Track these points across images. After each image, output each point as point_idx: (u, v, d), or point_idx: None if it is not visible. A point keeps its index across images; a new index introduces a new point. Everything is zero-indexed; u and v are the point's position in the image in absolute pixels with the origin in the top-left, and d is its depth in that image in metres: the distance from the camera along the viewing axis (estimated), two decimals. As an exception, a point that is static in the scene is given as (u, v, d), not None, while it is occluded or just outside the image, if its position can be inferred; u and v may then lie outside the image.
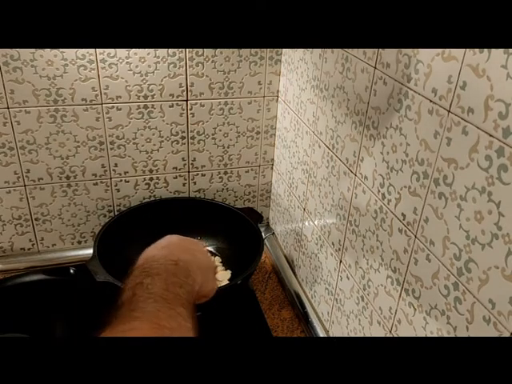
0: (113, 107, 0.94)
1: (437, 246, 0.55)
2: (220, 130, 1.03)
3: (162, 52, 0.91)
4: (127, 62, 0.90)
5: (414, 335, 0.61)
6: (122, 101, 0.94)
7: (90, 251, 0.89)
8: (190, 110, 0.99)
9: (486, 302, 0.48)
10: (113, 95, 0.93)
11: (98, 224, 1.05)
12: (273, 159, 1.10)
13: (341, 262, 0.80)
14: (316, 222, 0.89)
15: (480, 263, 0.48)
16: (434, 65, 0.52)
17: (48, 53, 0.86)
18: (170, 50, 0.92)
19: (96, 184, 1.01)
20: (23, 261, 1.04)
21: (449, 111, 0.51)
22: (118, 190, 1.04)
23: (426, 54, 0.54)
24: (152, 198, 1.07)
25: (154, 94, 0.95)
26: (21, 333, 0.79)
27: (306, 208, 0.93)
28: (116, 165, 1.00)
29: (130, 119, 0.96)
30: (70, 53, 0.87)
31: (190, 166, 1.06)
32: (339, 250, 0.80)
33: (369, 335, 0.73)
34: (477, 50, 0.46)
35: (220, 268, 1.02)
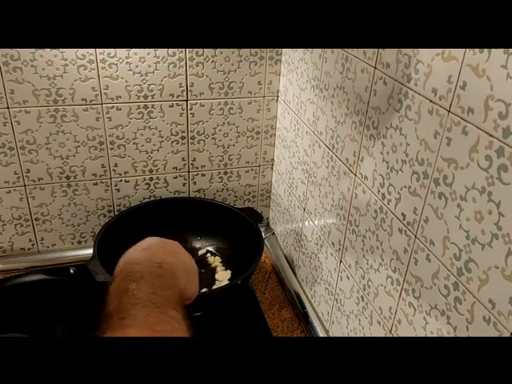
0: (113, 107, 0.94)
1: (437, 246, 0.55)
2: (220, 130, 1.03)
3: (161, 52, 0.91)
4: (127, 62, 0.90)
5: (414, 335, 0.61)
6: (122, 101, 0.94)
7: (90, 251, 0.89)
8: (190, 110, 0.99)
9: (486, 302, 0.48)
10: (113, 95, 0.93)
11: (97, 224, 1.05)
12: (273, 159, 1.10)
13: (341, 261, 0.80)
14: (316, 222, 0.89)
15: (480, 263, 0.48)
16: (434, 65, 0.52)
17: (48, 53, 0.86)
18: (170, 50, 0.92)
19: (96, 184, 1.01)
20: (23, 261, 1.04)
21: (449, 111, 0.51)
22: (118, 190, 1.04)
23: (425, 54, 0.54)
24: (152, 198, 1.07)
25: (154, 94, 0.95)
26: (21, 333, 0.79)
27: (306, 208, 0.93)
28: (116, 165, 1.00)
29: (129, 119, 0.96)
30: (70, 53, 0.87)
31: (190, 166, 1.06)
32: (339, 249, 0.80)
33: (369, 335, 0.73)
34: (477, 50, 0.46)
35: (220, 268, 1.02)
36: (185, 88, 0.96)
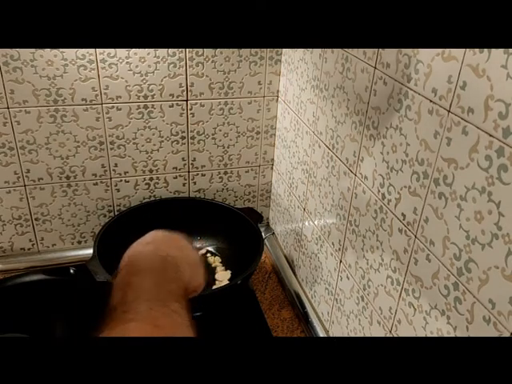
0: (113, 107, 0.94)
1: (437, 246, 0.55)
2: (220, 130, 1.03)
3: (161, 52, 0.91)
4: (127, 62, 0.90)
5: (414, 335, 0.61)
6: (122, 101, 0.94)
7: (90, 251, 0.89)
8: (190, 110, 0.99)
9: (486, 302, 0.48)
10: (113, 95, 0.93)
11: (98, 224, 1.05)
12: (273, 159, 1.10)
13: (341, 262, 0.80)
14: (316, 222, 0.89)
15: (480, 263, 0.48)
16: (434, 65, 0.52)
17: (48, 53, 0.86)
18: (170, 50, 0.92)
19: (96, 184, 1.01)
20: (23, 261, 1.04)
21: (449, 111, 0.51)
22: (118, 190, 1.03)
23: (426, 54, 0.53)
24: (152, 198, 1.07)
25: (154, 94, 0.95)
26: (21, 333, 0.79)
27: (306, 208, 0.93)
28: (116, 165, 1.00)
29: (129, 119, 0.96)
30: (70, 53, 0.87)
31: (190, 166, 1.06)
32: (339, 249, 0.80)
33: (369, 335, 0.73)
34: (477, 50, 0.46)
35: (220, 268, 1.02)
36: (185, 88, 0.96)
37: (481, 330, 0.49)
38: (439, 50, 0.51)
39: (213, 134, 1.03)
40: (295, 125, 0.95)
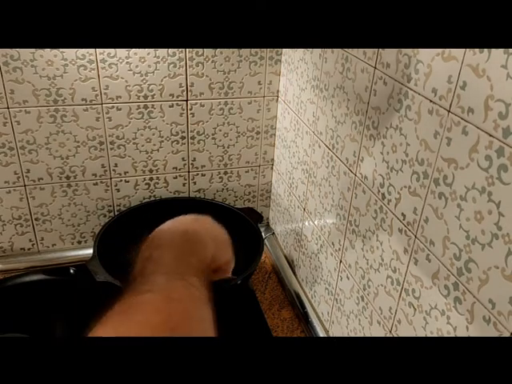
0: (113, 107, 0.94)
1: (437, 246, 0.55)
2: (220, 130, 1.03)
3: (162, 52, 0.91)
4: (127, 62, 0.90)
5: (414, 335, 0.61)
6: (122, 101, 0.94)
7: (90, 251, 0.89)
8: (190, 110, 0.99)
9: (486, 302, 0.48)
10: (113, 95, 0.93)
11: (98, 224, 1.05)
12: (273, 159, 1.10)
13: (341, 262, 0.80)
14: (316, 222, 0.89)
15: (480, 263, 0.48)
16: (434, 65, 0.52)
17: (48, 53, 0.86)
18: (170, 50, 0.92)
19: (96, 184, 1.01)
20: (23, 261, 1.04)
21: (449, 111, 0.51)
22: (118, 190, 1.04)
23: (426, 54, 0.53)
24: (152, 198, 1.07)
25: (154, 94, 0.95)
26: (21, 333, 0.79)
27: (306, 208, 0.93)
28: (116, 165, 1.00)
29: (130, 119, 0.96)
30: (70, 53, 0.87)
31: (190, 166, 1.06)
32: (339, 249, 0.80)
33: (369, 335, 0.73)
34: (477, 50, 0.46)
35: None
36: (185, 88, 0.96)
37: (481, 329, 0.49)
38: (439, 50, 0.51)
39: (213, 134, 1.03)
40: (295, 125, 0.95)
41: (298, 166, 0.95)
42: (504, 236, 0.45)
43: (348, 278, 0.78)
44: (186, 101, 0.98)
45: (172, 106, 0.97)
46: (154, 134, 0.99)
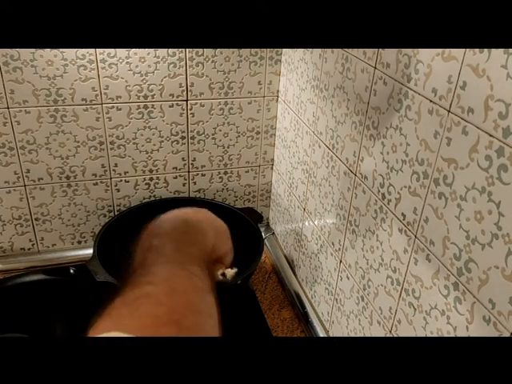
0: (113, 107, 0.94)
1: (437, 246, 0.55)
2: (220, 130, 1.03)
3: (162, 52, 0.91)
4: (127, 62, 0.90)
5: (414, 335, 0.61)
6: (122, 101, 0.94)
7: (90, 251, 0.89)
8: (190, 110, 0.99)
9: (486, 302, 0.48)
10: (113, 95, 0.93)
11: (98, 224, 1.05)
12: (273, 159, 1.10)
13: (341, 262, 0.80)
14: (316, 222, 0.89)
15: (480, 263, 0.48)
16: (434, 65, 0.52)
17: (48, 53, 0.86)
18: (170, 50, 0.92)
19: (96, 184, 1.01)
20: (23, 261, 1.04)
21: (449, 111, 0.51)
22: (118, 190, 1.03)
23: (426, 54, 0.53)
24: (152, 198, 1.07)
25: (154, 94, 0.95)
26: (21, 333, 0.79)
27: (306, 208, 0.93)
28: (116, 165, 1.00)
29: (129, 119, 0.96)
30: (70, 53, 0.87)
31: (190, 166, 1.06)
32: (339, 249, 0.80)
33: (369, 335, 0.73)
34: (477, 50, 0.46)
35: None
36: (185, 88, 0.96)
37: (481, 330, 0.49)
38: (439, 50, 0.51)
39: (213, 134, 1.03)
40: (295, 125, 0.95)
41: (298, 166, 0.95)
42: (504, 236, 0.45)
43: (348, 278, 0.78)
44: (186, 101, 0.98)
45: (172, 106, 0.97)
46: (153, 134, 0.99)
